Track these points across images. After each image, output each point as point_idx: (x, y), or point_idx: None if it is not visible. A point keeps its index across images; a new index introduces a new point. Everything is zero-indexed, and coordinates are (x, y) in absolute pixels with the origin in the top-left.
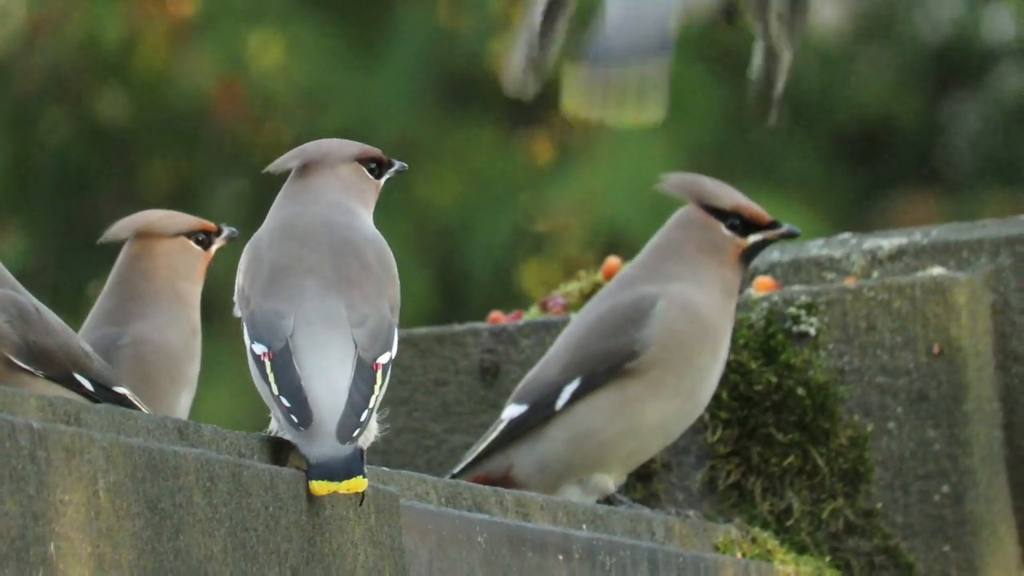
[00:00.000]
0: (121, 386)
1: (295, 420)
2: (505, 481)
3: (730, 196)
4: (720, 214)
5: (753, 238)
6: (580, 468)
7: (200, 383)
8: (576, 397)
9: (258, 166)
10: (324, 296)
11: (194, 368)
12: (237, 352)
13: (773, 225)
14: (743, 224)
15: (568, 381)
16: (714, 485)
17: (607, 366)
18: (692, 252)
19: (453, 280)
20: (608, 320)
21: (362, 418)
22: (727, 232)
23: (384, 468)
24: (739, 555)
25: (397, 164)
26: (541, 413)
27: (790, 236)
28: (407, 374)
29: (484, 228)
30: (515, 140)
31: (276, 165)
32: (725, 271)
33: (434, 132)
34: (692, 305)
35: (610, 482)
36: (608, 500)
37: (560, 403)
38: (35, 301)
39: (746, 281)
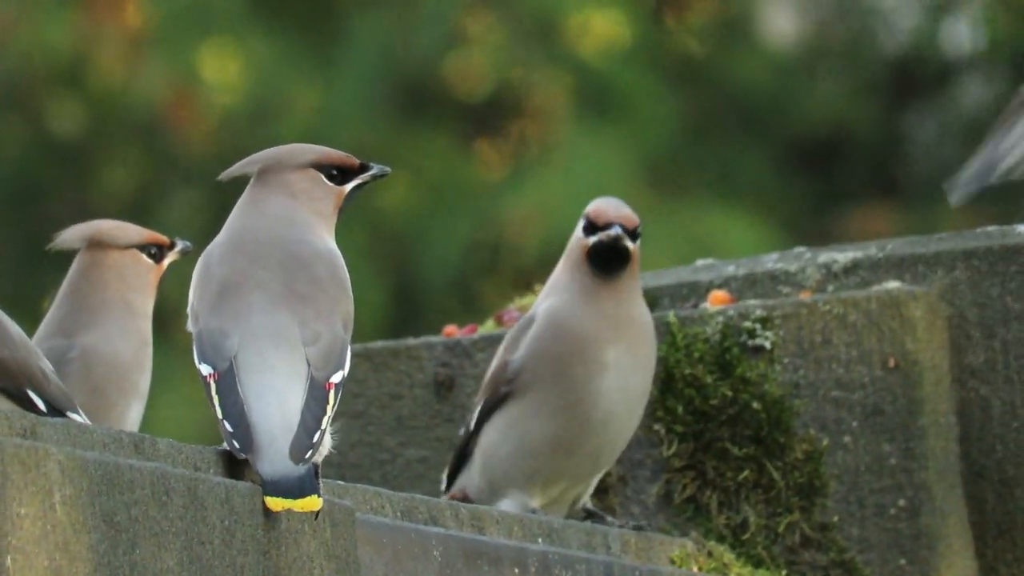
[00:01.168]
0: (76, 413)
1: (236, 446)
2: (467, 501)
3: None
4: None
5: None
6: (498, 487)
7: (156, 395)
8: (480, 419)
9: (214, 176)
10: (273, 313)
11: (145, 380)
12: (192, 364)
13: None
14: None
15: (478, 404)
16: (670, 499)
17: (494, 388)
18: (563, 262)
19: (408, 290)
20: (502, 343)
21: (314, 439)
22: (579, 235)
23: (339, 482)
24: (695, 569)
25: (375, 168)
26: (465, 436)
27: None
28: (362, 388)
29: (439, 238)
30: (471, 150)
31: (227, 173)
32: (579, 275)
33: (389, 141)
34: (559, 321)
35: (528, 500)
36: (589, 515)
37: (472, 425)
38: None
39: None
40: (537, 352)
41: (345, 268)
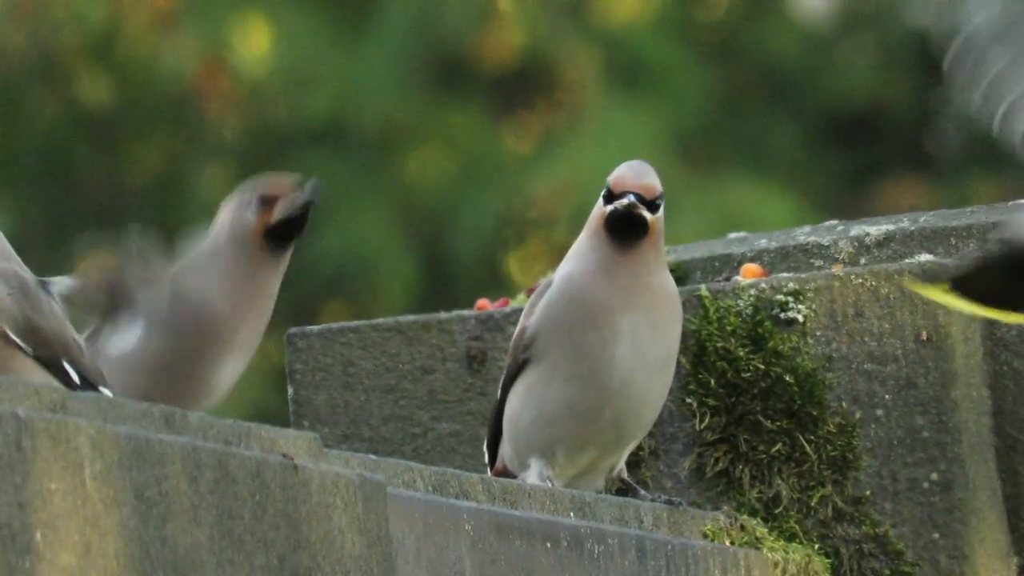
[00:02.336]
0: (106, 388)
1: None
2: (506, 472)
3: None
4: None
5: (651, 215)
6: (522, 455)
7: None
8: (505, 388)
9: (243, 149)
10: None
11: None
12: None
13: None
14: (609, 194)
15: (504, 372)
16: (702, 472)
17: (515, 355)
18: (585, 229)
19: (439, 264)
20: (524, 309)
21: None
22: (600, 203)
23: (371, 456)
24: (727, 543)
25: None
26: (494, 405)
27: None
28: (394, 361)
29: (470, 212)
30: (502, 123)
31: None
32: (598, 243)
33: (420, 114)
34: (572, 287)
35: (546, 470)
36: (623, 487)
37: (499, 393)
38: (36, 282)
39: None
40: (550, 318)
41: None
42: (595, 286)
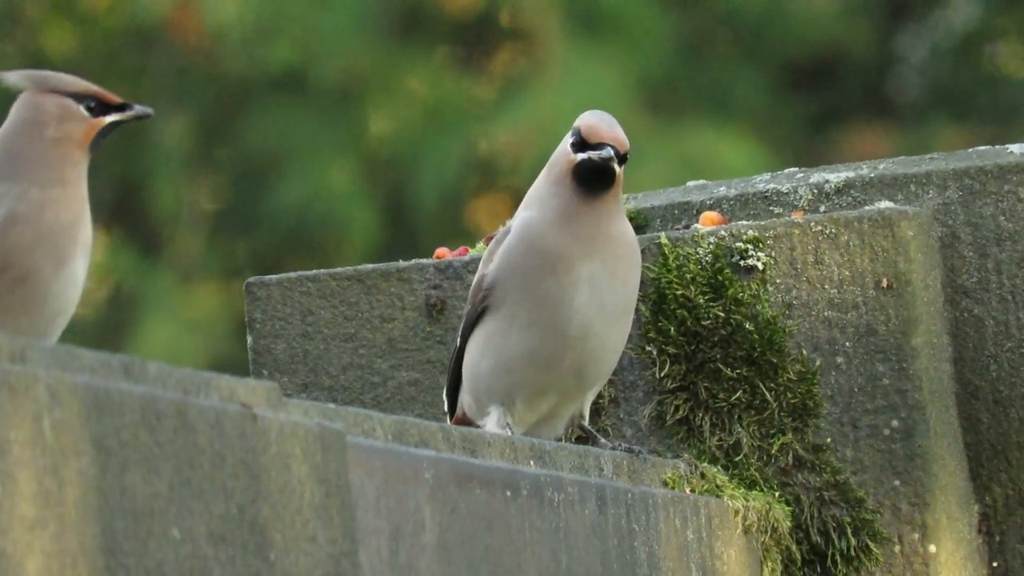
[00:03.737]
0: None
1: None
2: (466, 421)
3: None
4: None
5: None
6: (481, 402)
7: (146, 317)
8: (464, 335)
9: (208, 97)
10: None
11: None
12: (184, 286)
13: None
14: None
15: (463, 320)
16: (662, 420)
17: (473, 302)
18: (545, 175)
19: (402, 213)
20: (483, 256)
21: None
22: (567, 149)
23: (330, 405)
24: (688, 491)
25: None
26: (453, 352)
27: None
28: (353, 310)
29: (433, 160)
30: (463, 71)
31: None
32: (560, 190)
33: (383, 63)
34: (532, 234)
35: (507, 417)
36: (582, 435)
37: (458, 342)
38: None
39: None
40: (509, 265)
41: None
42: (554, 233)
